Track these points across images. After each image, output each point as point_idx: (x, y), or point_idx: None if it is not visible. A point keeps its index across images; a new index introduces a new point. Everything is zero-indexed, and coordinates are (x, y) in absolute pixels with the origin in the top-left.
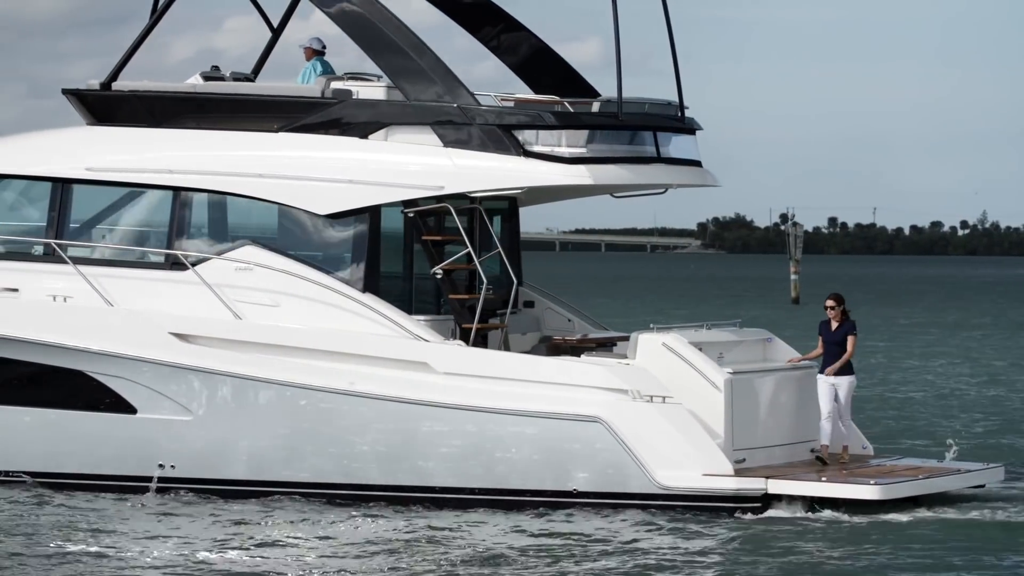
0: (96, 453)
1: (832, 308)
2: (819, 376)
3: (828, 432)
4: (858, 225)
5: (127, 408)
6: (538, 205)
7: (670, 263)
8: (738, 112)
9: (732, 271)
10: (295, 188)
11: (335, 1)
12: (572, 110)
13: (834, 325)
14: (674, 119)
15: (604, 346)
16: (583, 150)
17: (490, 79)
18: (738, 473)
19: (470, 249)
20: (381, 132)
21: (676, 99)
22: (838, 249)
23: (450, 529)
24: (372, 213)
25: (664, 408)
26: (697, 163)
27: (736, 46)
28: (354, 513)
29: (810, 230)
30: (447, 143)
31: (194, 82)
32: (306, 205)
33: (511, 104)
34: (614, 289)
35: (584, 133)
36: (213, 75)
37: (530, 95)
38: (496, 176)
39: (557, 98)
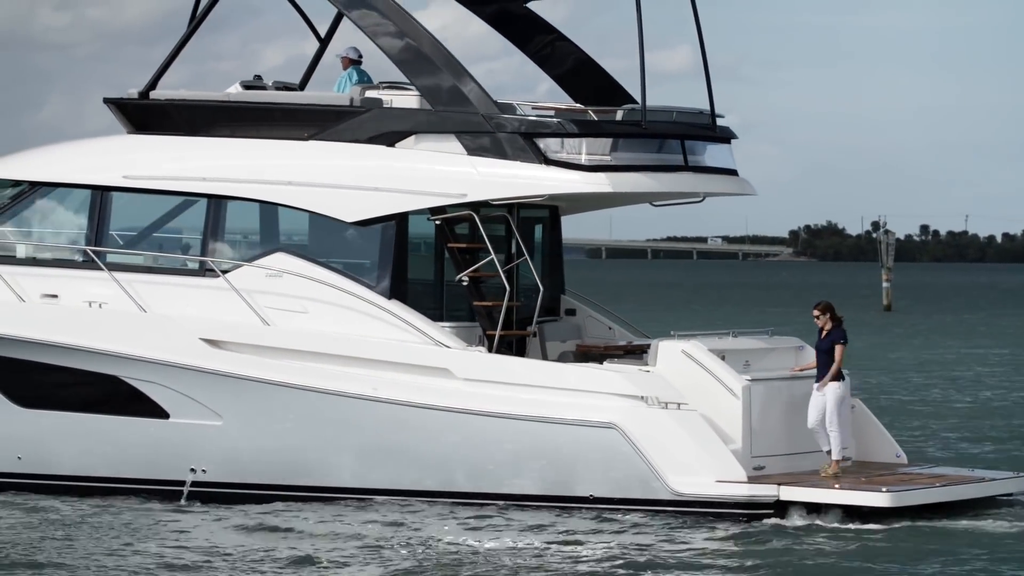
0: (130, 457)
1: (818, 317)
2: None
3: (823, 441)
4: (950, 232)
5: (160, 413)
6: (634, 212)
7: (762, 271)
8: (831, 118)
9: (823, 279)
10: (323, 196)
11: (359, 7)
12: (596, 118)
13: (823, 334)
14: (705, 128)
15: (632, 353)
16: (607, 158)
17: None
18: (751, 480)
19: (493, 256)
20: (408, 140)
21: (709, 107)
22: (930, 256)
23: (465, 532)
24: (398, 220)
25: (678, 415)
26: (730, 171)
27: (830, 52)
28: (375, 515)
29: (902, 237)
30: (471, 151)
31: (234, 91)
32: (334, 212)
33: (534, 112)
34: (700, 297)
35: (608, 141)
36: (254, 84)
37: (553, 103)
38: (517, 184)
39: (582, 106)
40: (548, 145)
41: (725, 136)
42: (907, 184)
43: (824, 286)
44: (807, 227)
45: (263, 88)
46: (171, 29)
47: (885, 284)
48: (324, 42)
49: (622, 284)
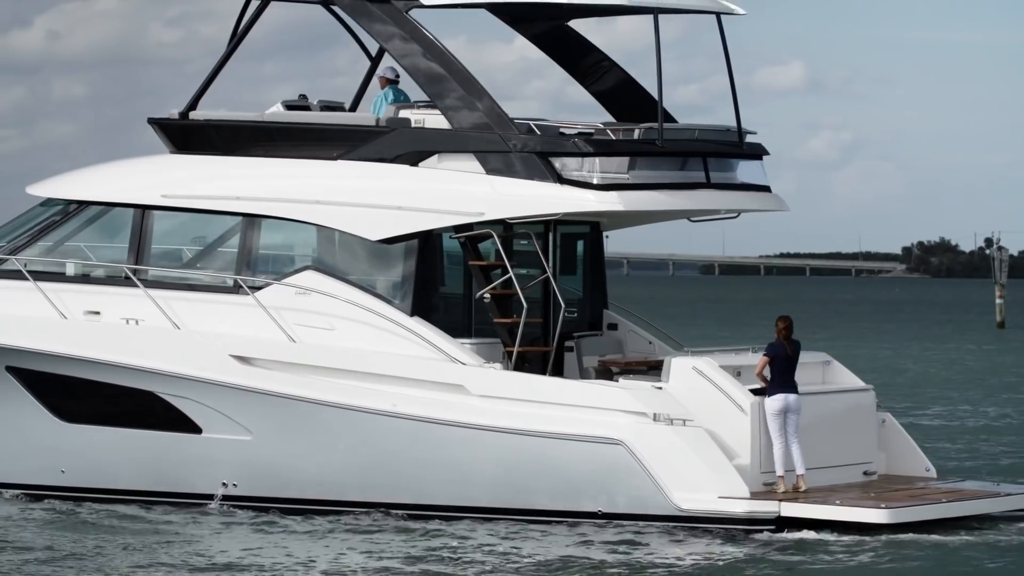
0: (166, 471)
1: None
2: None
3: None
4: None
5: (193, 428)
6: (746, 228)
7: (875, 287)
8: (944, 134)
9: (937, 295)
10: (349, 214)
11: (384, 25)
12: (614, 137)
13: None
14: (731, 145)
15: (656, 368)
16: (624, 176)
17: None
18: (754, 496)
19: (511, 274)
20: (431, 160)
21: (736, 125)
22: None
23: (474, 545)
24: (421, 238)
25: (684, 431)
26: (762, 187)
27: (943, 68)
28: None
29: (1015, 254)
30: (489, 170)
31: (276, 110)
32: (359, 231)
33: (551, 131)
34: (821, 312)
35: (625, 160)
36: (296, 104)
37: (572, 121)
38: (532, 203)
39: (601, 125)
40: (564, 164)
41: (755, 153)
42: (1021, 200)
43: (936, 303)
44: (920, 243)
45: (306, 108)
46: (280, 45)
47: (999, 301)
48: (375, 61)
49: (722, 300)
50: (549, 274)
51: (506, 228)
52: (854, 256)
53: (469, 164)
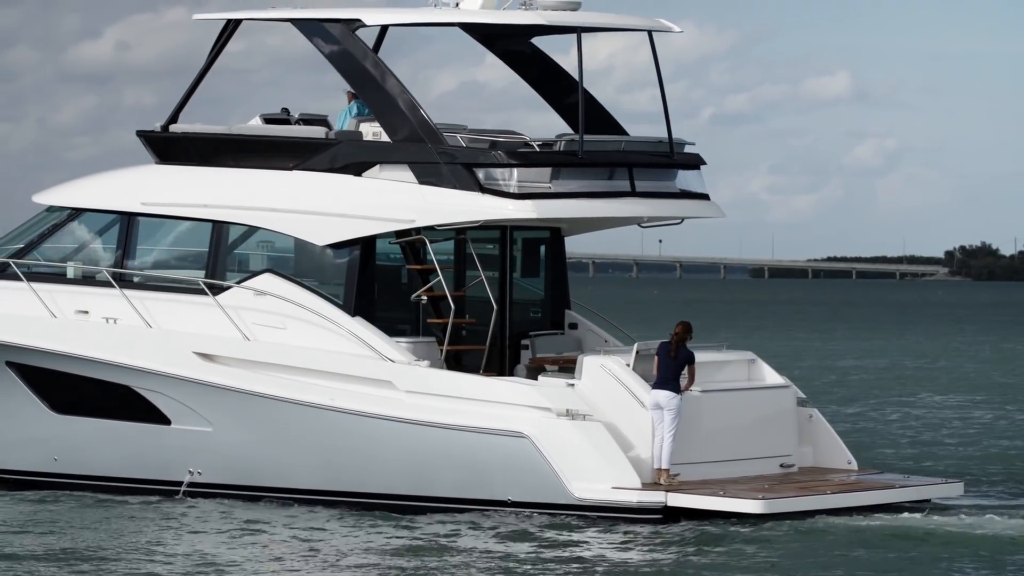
0: (141, 459)
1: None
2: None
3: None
4: None
5: (164, 420)
6: (794, 232)
7: (917, 290)
8: (986, 143)
9: (978, 297)
10: (299, 221)
11: (332, 44)
12: (538, 149)
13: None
14: (660, 156)
15: None
16: (547, 186)
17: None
18: (645, 487)
19: (440, 278)
20: (373, 170)
21: (668, 137)
22: None
23: (366, 533)
24: (363, 243)
25: (583, 425)
26: (697, 195)
27: (986, 78)
28: (328, 518)
29: None
30: (421, 180)
31: (254, 123)
32: (308, 236)
33: (482, 143)
34: (851, 316)
35: (547, 170)
36: (275, 117)
37: (495, 132)
38: (457, 211)
39: (527, 137)
40: (487, 174)
41: (689, 163)
42: None
43: (977, 305)
44: (962, 247)
45: (286, 121)
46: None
47: None
48: None
49: (757, 303)
50: (483, 279)
51: (458, 233)
52: (899, 260)
53: (404, 174)
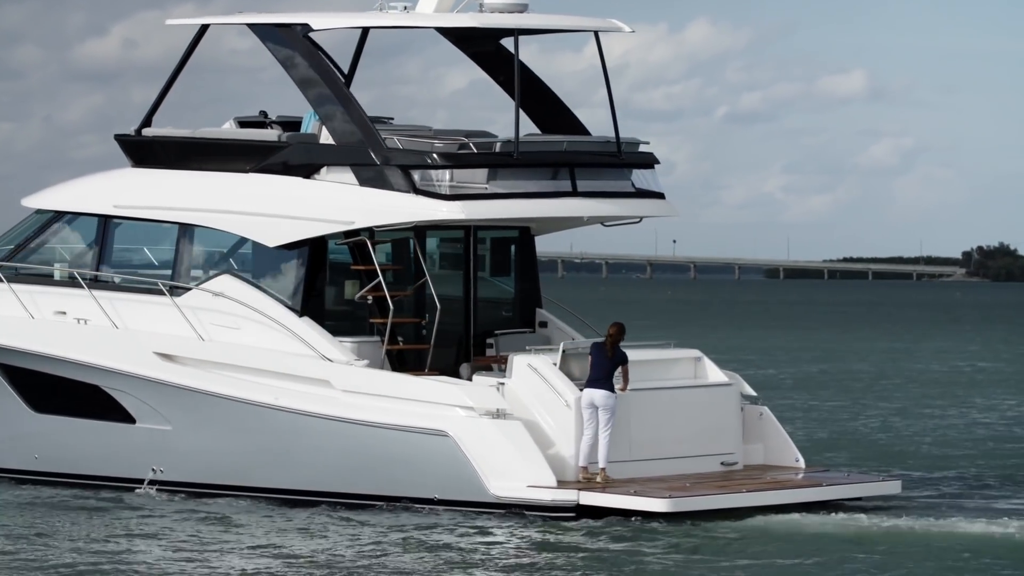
0: (110, 457)
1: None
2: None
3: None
4: None
5: (129, 418)
6: (810, 233)
7: (934, 290)
8: (1004, 142)
9: (996, 298)
10: (252, 222)
11: (283, 48)
12: (475, 150)
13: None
14: (606, 156)
15: None
16: (483, 186)
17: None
18: (560, 485)
19: (380, 278)
20: (321, 172)
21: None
22: None
23: (292, 533)
24: (311, 244)
25: (502, 424)
26: (651, 194)
27: (1003, 77)
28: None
29: None
30: (362, 182)
31: (227, 127)
32: (260, 238)
33: (419, 146)
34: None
35: (484, 171)
36: (248, 120)
37: (464, 133)
38: (392, 212)
39: (464, 138)
40: (423, 176)
41: (638, 163)
42: None
43: (996, 305)
44: (979, 248)
45: (262, 124)
46: (348, 56)
47: None
48: (347, 77)
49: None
50: (427, 278)
51: (417, 233)
52: (915, 260)
53: (347, 176)
